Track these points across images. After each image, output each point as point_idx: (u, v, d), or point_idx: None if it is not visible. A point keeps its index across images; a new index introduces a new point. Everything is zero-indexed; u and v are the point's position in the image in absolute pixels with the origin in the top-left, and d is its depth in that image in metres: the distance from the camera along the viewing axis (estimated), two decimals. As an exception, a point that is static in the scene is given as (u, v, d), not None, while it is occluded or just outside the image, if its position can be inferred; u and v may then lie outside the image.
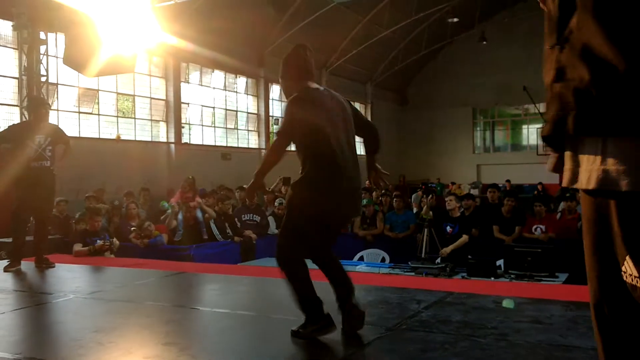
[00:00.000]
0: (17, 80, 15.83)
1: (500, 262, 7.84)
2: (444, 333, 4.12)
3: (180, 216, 10.90)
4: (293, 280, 3.97)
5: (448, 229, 9.38)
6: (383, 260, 9.61)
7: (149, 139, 20.20)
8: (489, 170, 30.89)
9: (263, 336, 4.37)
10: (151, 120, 20.35)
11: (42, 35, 15.65)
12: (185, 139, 21.22)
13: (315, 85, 4.20)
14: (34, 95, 14.07)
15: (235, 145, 23.76)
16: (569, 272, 7.56)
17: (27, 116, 14.62)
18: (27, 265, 7.40)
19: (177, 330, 4.51)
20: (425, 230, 9.01)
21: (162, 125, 20.63)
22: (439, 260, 8.57)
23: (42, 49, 15.75)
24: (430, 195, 13.30)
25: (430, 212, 9.41)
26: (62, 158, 7.70)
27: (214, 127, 23.06)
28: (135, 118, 19.78)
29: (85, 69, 13.92)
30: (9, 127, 8.16)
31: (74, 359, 3.84)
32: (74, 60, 13.88)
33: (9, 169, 7.26)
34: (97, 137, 18.16)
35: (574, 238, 8.95)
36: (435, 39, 30.03)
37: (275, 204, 12.14)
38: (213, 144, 22.74)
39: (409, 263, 8.03)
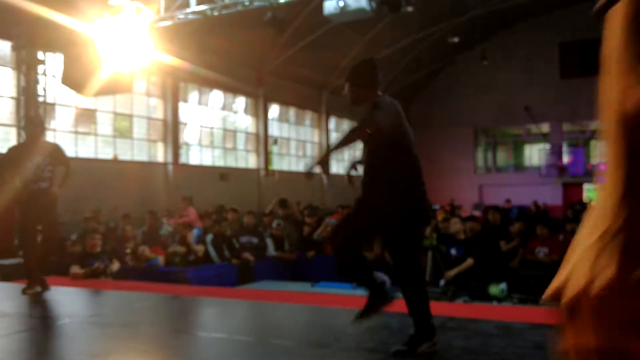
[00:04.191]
0: (14, 101, 15.80)
1: (503, 286, 7.74)
2: (445, 359, 4.03)
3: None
4: None
5: (453, 252, 9.24)
6: (383, 283, 9.46)
7: (146, 159, 20.09)
8: (491, 191, 30.61)
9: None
10: (149, 140, 20.29)
11: (40, 55, 15.65)
12: (183, 159, 21.11)
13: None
14: (30, 115, 14.01)
15: (234, 165, 23.60)
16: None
17: (25, 136, 14.54)
18: (20, 287, 7.26)
19: (175, 356, 4.44)
20: (430, 253, 8.89)
21: (160, 145, 20.54)
22: (442, 282, 8.46)
23: (40, 69, 15.74)
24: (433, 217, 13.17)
25: (435, 235, 9.28)
26: (62, 183, 7.37)
27: (212, 147, 22.98)
28: (132, 138, 19.72)
29: (83, 89, 13.95)
30: (8, 149, 7.94)
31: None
32: (72, 81, 13.93)
33: (7, 191, 7.14)
34: (94, 157, 18.07)
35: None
36: (436, 59, 30.07)
37: (273, 225, 12.03)
38: (211, 164, 22.61)
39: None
